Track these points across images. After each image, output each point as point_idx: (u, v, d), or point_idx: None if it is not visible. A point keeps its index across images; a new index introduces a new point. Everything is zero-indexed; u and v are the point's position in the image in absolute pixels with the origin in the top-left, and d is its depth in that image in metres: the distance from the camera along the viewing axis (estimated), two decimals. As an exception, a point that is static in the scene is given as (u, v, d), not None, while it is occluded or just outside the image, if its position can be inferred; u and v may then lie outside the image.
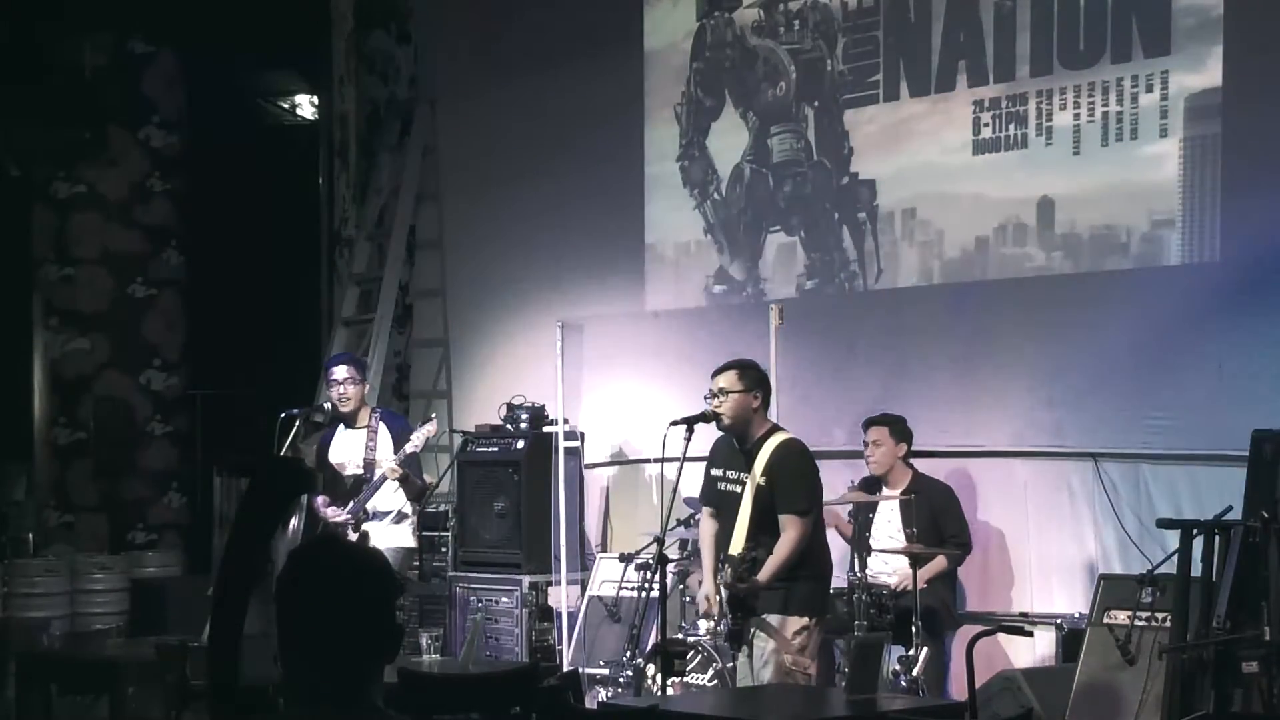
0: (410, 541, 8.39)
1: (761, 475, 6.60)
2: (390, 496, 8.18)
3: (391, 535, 8.11)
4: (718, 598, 6.69)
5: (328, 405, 8.59)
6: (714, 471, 6.89)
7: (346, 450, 8.24)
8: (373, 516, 8.12)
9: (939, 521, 7.79)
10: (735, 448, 6.79)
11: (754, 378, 6.77)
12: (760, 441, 6.69)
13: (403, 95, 11.32)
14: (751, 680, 6.62)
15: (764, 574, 6.49)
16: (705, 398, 6.76)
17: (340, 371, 8.28)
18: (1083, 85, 7.91)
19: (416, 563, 9.30)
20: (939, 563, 7.66)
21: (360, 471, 8.15)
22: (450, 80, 10.99)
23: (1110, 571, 7.48)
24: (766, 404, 6.81)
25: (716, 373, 6.79)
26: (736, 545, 6.60)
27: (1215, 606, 6.13)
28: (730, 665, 6.92)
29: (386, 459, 8.07)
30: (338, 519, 8.06)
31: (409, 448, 8.09)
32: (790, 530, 6.55)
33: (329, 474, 8.24)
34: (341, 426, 8.31)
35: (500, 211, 10.48)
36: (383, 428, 8.21)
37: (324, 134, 11.85)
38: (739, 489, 6.68)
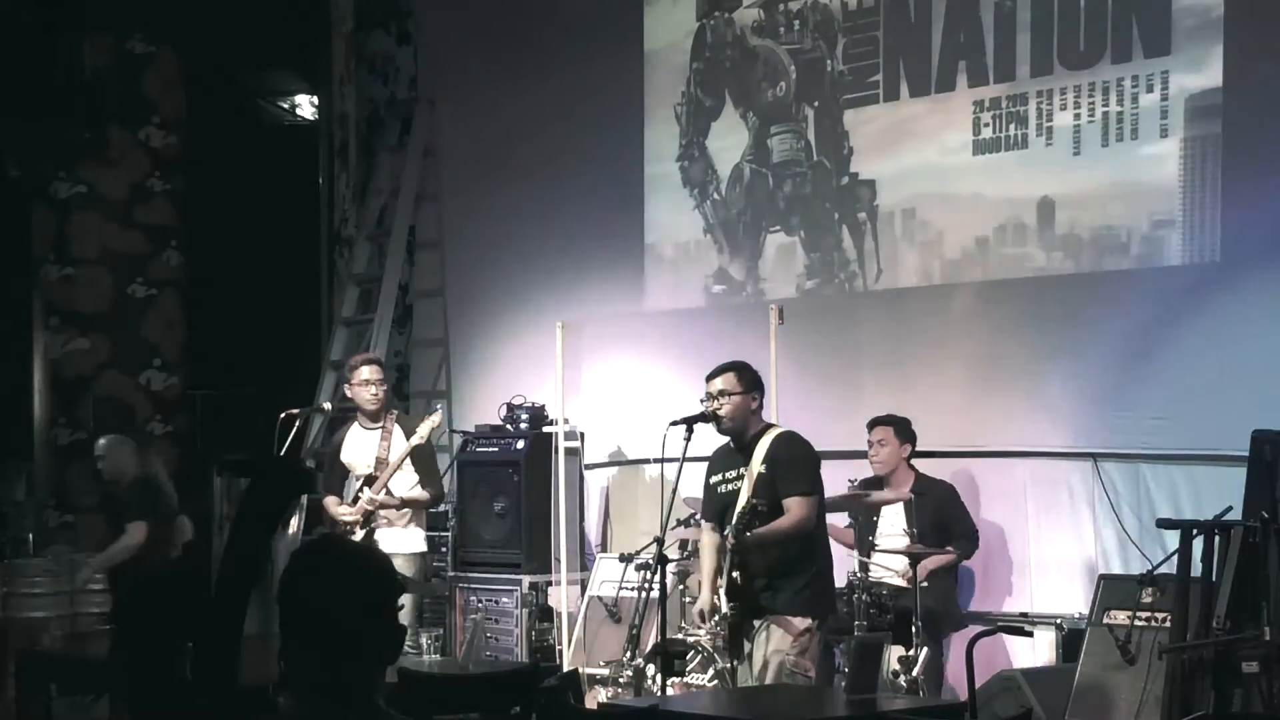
0: (423, 545, 8.21)
1: (762, 464, 6.59)
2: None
3: (404, 540, 7.99)
4: (714, 604, 6.65)
5: (327, 405, 8.56)
6: (713, 479, 6.85)
7: (359, 450, 8.18)
8: (382, 520, 8.01)
9: (944, 519, 7.79)
10: (732, 450, 6.79)
11: (751, 379, 6.78)
12: (757, 437, 6.69)
13: (403, 95, 11.31)
14: (751, 680, 6.60)
15: (765, 530, 6.43)
16: (702, 400, 6.75)
17: (371, 371, 8.19)
18: (1083, 85, 7.91)
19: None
20: (946, 557, 7.66)
21: (371, 470, 8.10)
22: (450, 80, 10.98)
23: (1110, 571, 7.48)
24: (761, 405, 6.82)
25: (712, 375, 6.77)
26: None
27: (1215, 606, 6.14)
28: (729, 666, 6.88)
29: (396, 464, 7.99)
30: (346, 518, 8.02)
31: (414, 439, 8.01)
32: (795, 511, 6.52)
33: (340, 473, 8.21)
34: (355, 426, 8.23)
35: (500, 211, 10.47)
36: (397, 429, 8.12)
37: (324, 134, 11.84)
38: (739, 484, 6.66)
